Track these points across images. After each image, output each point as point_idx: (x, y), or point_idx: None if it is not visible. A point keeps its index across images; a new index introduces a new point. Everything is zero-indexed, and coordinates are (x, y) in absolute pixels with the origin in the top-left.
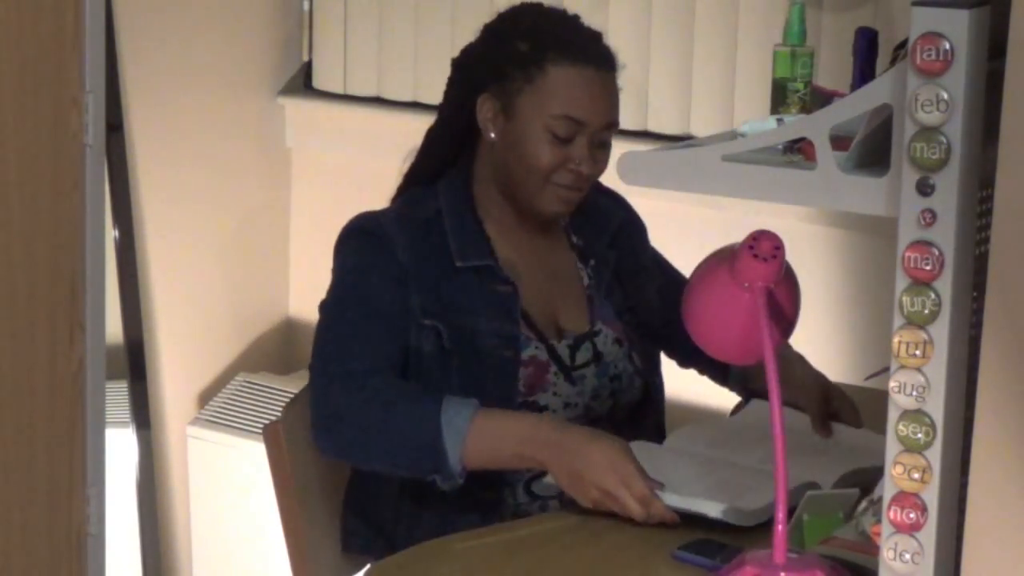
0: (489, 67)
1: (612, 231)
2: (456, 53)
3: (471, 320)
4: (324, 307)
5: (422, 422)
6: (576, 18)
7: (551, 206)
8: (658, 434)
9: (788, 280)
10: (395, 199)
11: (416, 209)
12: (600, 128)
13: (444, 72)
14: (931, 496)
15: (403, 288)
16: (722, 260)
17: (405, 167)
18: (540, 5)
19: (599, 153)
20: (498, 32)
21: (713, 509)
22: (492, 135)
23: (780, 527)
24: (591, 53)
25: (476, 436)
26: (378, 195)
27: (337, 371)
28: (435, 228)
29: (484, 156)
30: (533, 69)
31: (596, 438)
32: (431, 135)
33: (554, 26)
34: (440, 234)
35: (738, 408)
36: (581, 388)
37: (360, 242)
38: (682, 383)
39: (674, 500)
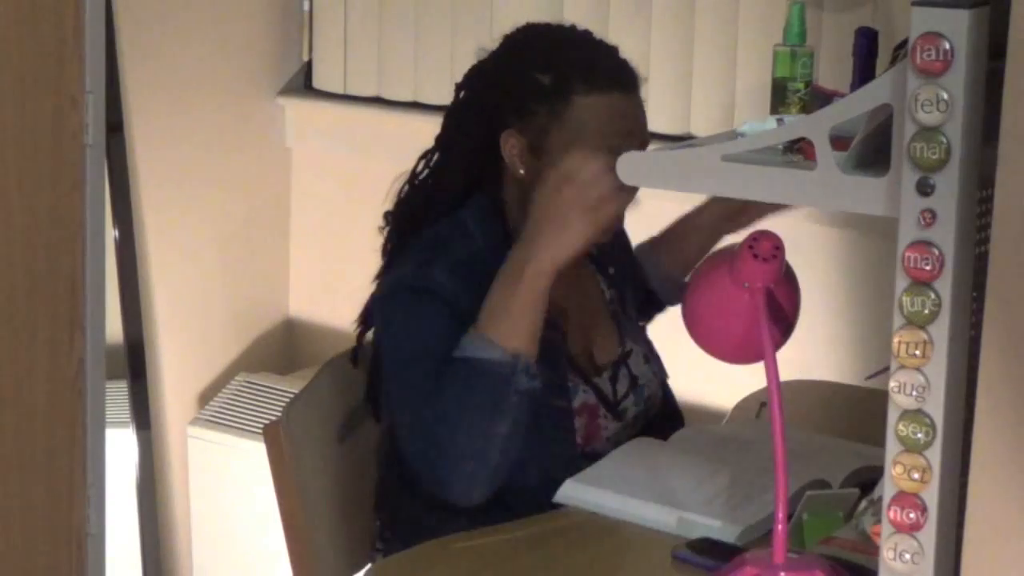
0: (510, 102)
1: (618, 233)
2: (456, 53)
3: None
4: (392, 375)
5: (459, 374)
6: (588, 35)
7: (594, 237)
8: (677, 424)
9: (788, 280)
10: (394, 230)
11: (453, 252)
12: None
13: (444, 72)
14: (931, 496)
15: None
16: (722, 260)
17: (395, 188)
18: (549, 27)
19: None
20: (512, 63)
21: (729, 534)
22: (521, 171)
23: (780, 527)
24: (615, 76)
25: (488, 324)
26: (378, 195)
27: (425, 423)
28: (480, 267)
29: (512, 188)
30: (559, 103)
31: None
32: (445, 165)
33: (572, 51)
34: (486, 274)
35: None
36: (625, 421)
37: (413, 301)
38: (682, 384)
39: (687, 516)
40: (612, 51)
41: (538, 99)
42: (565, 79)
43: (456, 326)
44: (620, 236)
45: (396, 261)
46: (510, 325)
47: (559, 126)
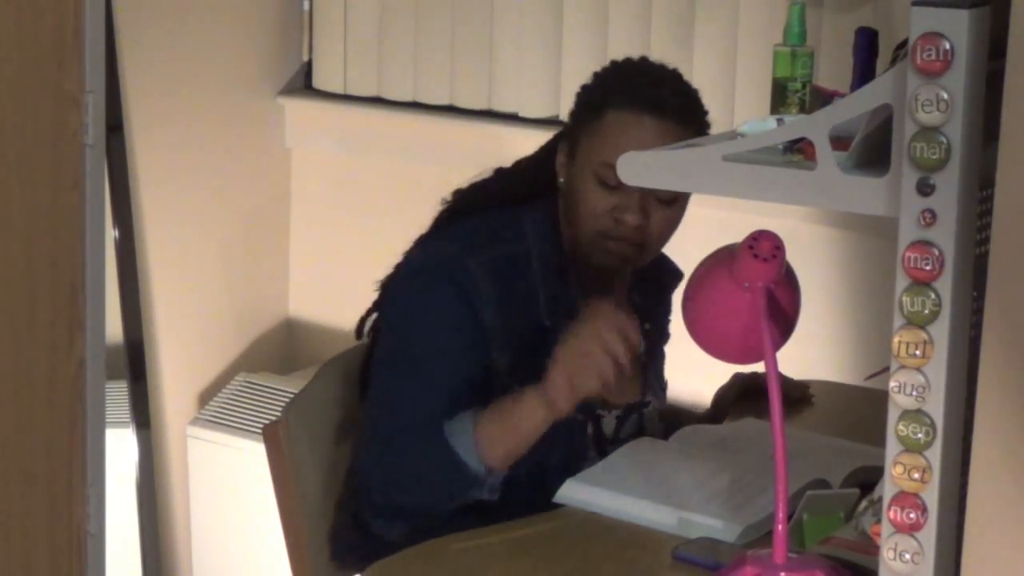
0: (571, 113)
1: (667, 292)
2: (456, 53)
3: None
4: (379, 361)
5: (435, 453)
6: (664, 69)
7: (602, 259)
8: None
9: (788, 280)
10: (453, 206)
11: (500, 245)
12: None
13: (444, 72)
14: (931, 496)
15: (482, 348)
16: (722, 260)
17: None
18: (645, 59)
19: (659, 209)
20: (593, 81)
21: (729, 534)
22: (561, 179)
23: (780, 527)
24: (656, 101)
25: (483, 429)
26: (378, 195)
27: (380, 436)
28: (523, 269)
29: (560, 197)
30: (594, 115)
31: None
32: (522, 165)
33: (635, 74)
34: (528, 278)
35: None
36: None
37: (438, 287)
38: (682, 384)
39: (687, 516)
40: (670, 80)
41: (581, 109)
42: (606, 91)
43: (468, 318)
44: (659, 269)
45: (436, 235)
46: (503, 451)
47: (588, 133)
